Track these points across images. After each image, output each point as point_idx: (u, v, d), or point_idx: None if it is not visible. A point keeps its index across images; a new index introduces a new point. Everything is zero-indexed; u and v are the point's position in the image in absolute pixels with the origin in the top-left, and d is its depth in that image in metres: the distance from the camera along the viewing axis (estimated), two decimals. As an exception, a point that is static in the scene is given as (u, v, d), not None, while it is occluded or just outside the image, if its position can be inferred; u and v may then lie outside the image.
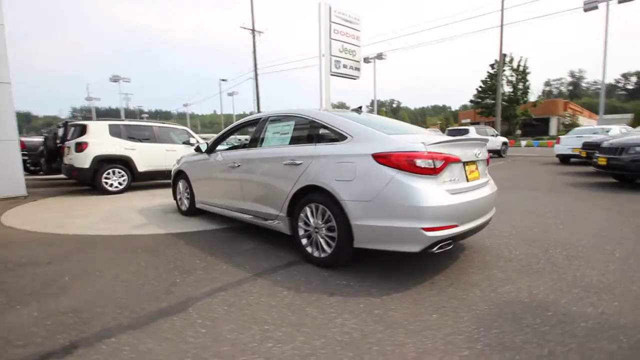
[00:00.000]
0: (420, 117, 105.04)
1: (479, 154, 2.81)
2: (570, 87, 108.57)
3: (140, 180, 7.54)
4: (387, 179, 2.35)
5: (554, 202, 5.45)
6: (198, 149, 4.37)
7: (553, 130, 36.79)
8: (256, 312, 2.10)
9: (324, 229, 2.75)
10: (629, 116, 34.20)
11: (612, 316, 2.00)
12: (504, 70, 32.94)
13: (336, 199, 2.58)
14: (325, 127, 2.95)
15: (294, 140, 3.22)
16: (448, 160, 2.40)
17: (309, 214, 2.86)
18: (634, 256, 2.95)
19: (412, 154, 2.31)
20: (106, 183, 6.93)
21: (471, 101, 36.03)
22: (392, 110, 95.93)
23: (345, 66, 21.00)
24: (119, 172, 7.09)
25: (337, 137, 2.80)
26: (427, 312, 2.09)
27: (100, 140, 6.89)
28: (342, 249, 2.62)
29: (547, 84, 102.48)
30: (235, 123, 4.22)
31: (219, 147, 4.31)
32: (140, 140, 7.44)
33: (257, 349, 1.72)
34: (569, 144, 11.95)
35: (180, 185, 4.90)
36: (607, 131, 12.15)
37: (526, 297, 2.27)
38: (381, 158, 2.40)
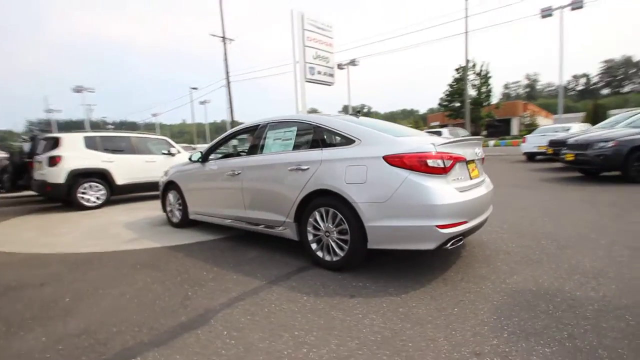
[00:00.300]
0: (391, 121, 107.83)
1: (478, 153, 2.96)
2: (527, 89, 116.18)
3: (119, 194, 7.19)
4: (400, 180, 2.42)
5: (533, 196, 5.79)
6: (192, 159, 4.27)
7: (515, 130, 38.99)
8: (281, 319, 2.08)
9: (335, 232, 2.77)
10: (581, 114, 36.99)
11: (613, 298, 2.17)
12: (467, 75, 34.66)
13: (348, 202, 2.62)
14: (331, 132, 2.99)
15: (298, 146, 3.23)
16: (456, 160, 2.52)
17: (318, 218, 2.87)
18: (617, 243, 3.21)
19: (423, 155, 2.40)
20: (82, 198, 6.55)
21: (440, 104, 37.49)
22: (364, 115, 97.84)
23: (319, 72, 21.26)
24: (97, 186, 6.73)
25: (345, 141, 2.85)
26: (448, 306, 2.16)
27: (75, 154, 6.52)
28: (355, 251, 2.65)
29: (506, 86, 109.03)
30: (230, 131, 4.16)
31: (212, 156, 4.23)
32: (118, 152, 7.12)
33: (294, 356, 1.71)
34: (534, 142, 12.75)
35: (171, 196, 4.74)
36: (568, 129, 13.10)
37: (533, 286, 2.41)
38: (393, 160, 2.47)
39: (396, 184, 2.43)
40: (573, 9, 15.56)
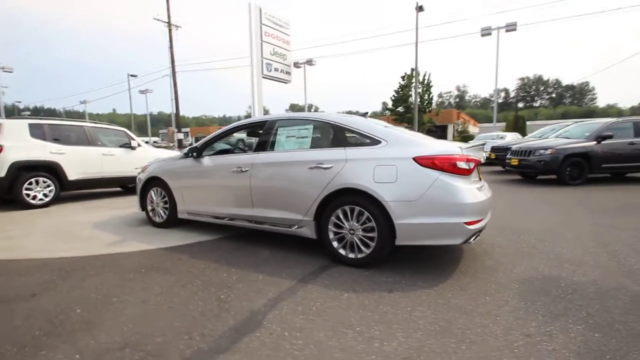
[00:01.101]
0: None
1: (482, 157, 3.26)
2: (457, 100, 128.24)
3: (70, 190, 6.36)
4: (431, 180, 2.58)
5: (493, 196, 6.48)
6: (188, 153, 3.97)
7: (450, 136, 42.82)
8: (335, 316, 2.10)
9: (360, 230, 2.84)
10: (503, 124, 41.96)
11: (602, 282, 2.58)
12: (412, 83, 37.11)
13: (377, 200, 2.71)
14: (354, 132, 3.04)
15: (316, 144, 3.23)
16: (476, 163, 2.76)
17: (341, 216, 2.91)
18: (580, 236, 3.78)
19: (454, 157, 2.59)
20: (28, 195, 5.66)
21: (387, 108, 39.53)
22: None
23: (277, 70, 20.99)
24: (44, 182, 5.86)
25: (370, 141, 2.93)
26: (479, 296, 2.37)
27: (18, 143, 5.59)
28: (382, 247, 2.76)
29: (440, 95, 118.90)
30: (230, 126, 3.96)
31: (206, 152, 4.00)
32: (70, 143, 6.28)
33: (370, 350, 1.75)
34: (477, 147, 14.19)
35: (153, 194, 4.35)
36: (502, 137, 14.83)
37: (536, 274, 2.75)
38: (424, 161, 2.62)
39: (427, 184, 2.59)
40: (507, 30, 17.70)
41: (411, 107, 35.48)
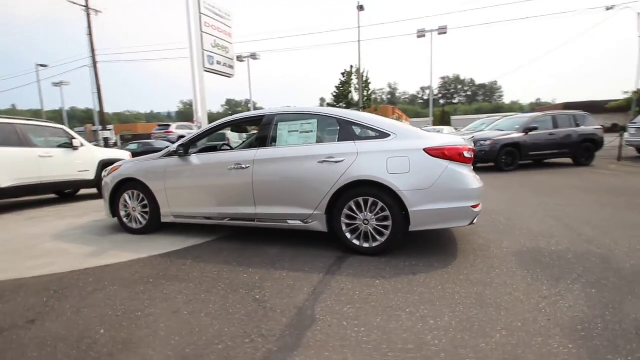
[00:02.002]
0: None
1: None
2: (389, 96, 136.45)
3: (4, 199, 5.37)
4: (442, 169, 2.81)
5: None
6: (172, 152, 3.66)
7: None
8: (380, 302, 2.19)
9: (374, 219, 2.96)
10: (430, 119, 45.97)
11: (575, 248, 3.08)
12: (352, 80, 38.43)
13: (392, 190, 2.85)
14: (361, 126, 3.13)
15: (322, 139, 3.25)
16: (473, 152, 3.06)
17: (354, 207, 3.00)
18: (537, 212, 4.42)
19: (461, 148, 2.85)
20: (-55, 208, 4.65)
21: (328, 104, 40.38)
22: (249, 109, 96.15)
23: (219, 63, 20.05)
24: (-33, 191, 4.87)
25: (378, 135, 3.05)
26: (490, 270, 2.66)
27: None
28: (397, 234, 2.91)
29: (374, 92, 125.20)
30: (221, 121, 3.74)
31: (192, 149, 3.75)
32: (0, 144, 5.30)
33: (428, 327, 1.88)
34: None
35: (128, 198, 3.92)
36: (439, 131, 16.28)
37: (522, 248, 3.16)
38: (434, 151, 2.83)
39: (438, 173, 2.81)
40: (439, 33, 19.42)
41: (352, 103, 36.76)
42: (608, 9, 18.63)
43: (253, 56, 24.03)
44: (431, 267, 2.75)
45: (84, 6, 23.49)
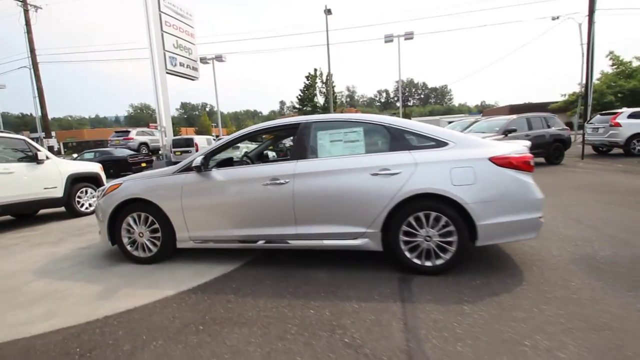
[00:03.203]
0: (235, 122, 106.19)
1: None
2: (348, 99, 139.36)
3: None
4: (509, 179, 2.65)
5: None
6: (188, 167, 3.14)
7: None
8: (490, 334, 1.94)
9: (437, 235, 2.73)
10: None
11: (620, 252, 3.09)
12: (316, 83, 38.51)
13: (458, 203, 2.65)
14: (414, 134, 2.89)
15: (372, 149, 2.96)
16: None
17: (414, 223, 2.75)
18: (555, 215, 4.49)
19: (526, 156, 2.71)
20: None
21: (294, 107, 40.07)
22: (208, 113, 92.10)
23: (182, 64, 19.00)
24: None
25: (435, 143, 2.83)
26: (563, 283, 2.54)
27: None
28: (463, 251, 2.71)
29: (336, 96, 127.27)
30: (243, 131, 3.26)
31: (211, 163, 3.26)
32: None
33: (557, 345, 1.68)
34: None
35: (132, 222, 3.32)
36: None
37: (572, 255, 3.11)
38: (500, 160, 2.67)
39: (506, 183, 2.65)
40: (406, 39, 19.98)
41: (317, 106, 36.77)
42: (554, 18, 20.46)
43: (218, 58, 22.96)
44: (505, 283, 2.58)
45: (21, 1, 21.05)
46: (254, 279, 2.87)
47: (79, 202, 6.21)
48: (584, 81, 19.77)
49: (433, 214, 2.72)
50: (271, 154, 6.86)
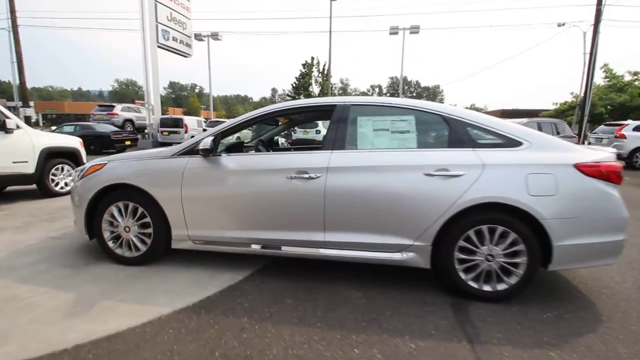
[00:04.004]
0: (225, 105, 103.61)
1: None
2: (341, 92, 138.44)
3: None
4: (597, 192, 2.15)
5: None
6: (196, 149, 2.51)
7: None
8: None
9: (501, 255, 2.23)
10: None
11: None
12: (312, 71, 37.47)
13: (533, 217, 2.14)
14: (481, 129, 2.35)
15: (425, 143, 2.41)
16: None
17: (474, 238, 2.23)
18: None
19: (616, 165, 2.21)
20: None
21: (288, 95, 39.05)
22: (197, 95, 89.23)
23: (175, 39, 17.90)
24: None
25: (505, 142, 2.30)
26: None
27: None
28: (531, 276, 2.22)
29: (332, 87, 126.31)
30: (266, 109, 2.63)
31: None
32: None
33: None
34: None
35: (116, 212, 2.68)
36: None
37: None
38: (588, 169, 2.16)
39: (592, 196, 2.16)
40: (411, 32, 19.37)
41: (312, 96, 35.86)
42: (559, 25, 20.28)
43: (214, 36, 21.74)
44: (582, 319, 2.10)
45: (-1, -47, 19.32)
46: (270, 295, 2.30)
47: (53, 180, 5.45)
48: (584, 90, 19.78)
49: (500, 229, 2.20)
50: (281, 141, 6.23)
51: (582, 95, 21.13)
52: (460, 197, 2.19)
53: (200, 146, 2.47)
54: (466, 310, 2.16)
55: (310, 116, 2.96)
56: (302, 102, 2.69)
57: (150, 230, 2.64)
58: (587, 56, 19.49)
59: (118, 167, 2.71)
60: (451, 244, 2.26)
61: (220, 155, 2.58)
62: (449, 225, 2.24)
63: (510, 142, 2.30)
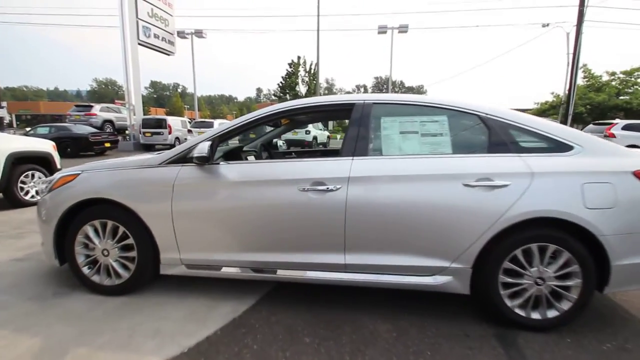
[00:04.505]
0: (209, 105, 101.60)
1: None
2: (326, 91, 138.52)
3: None
4: (661, 203, 1.87)
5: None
6: (189, 157, 2.10)
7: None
8: None
9: (553, 277, 1.92)
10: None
11: None
12: (299, 71, 37.01)
13: (591, 234, 1.84)
14: (525, 131, 2.03)
15: (461, 148, 2.08)
16: None
17: (522, 259, 1.92)
18: None
19: (684, 172, 1.94)
20: None
21: (274, 95, 38.45)
22: (180, 95, 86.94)
23: (157, 36, 17.22)
24: None
25: (554, 146, 1.99)
26: None
27: None
28: (587, 299, 1.92)
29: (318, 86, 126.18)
30: (271, 109, 2.24)
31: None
32: None
33: None
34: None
35: (91, 233, 2.23)
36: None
37: None
38: (650, 176, 1.88)
39: (656, 208, 1.88)
40: (400, 32, 19.23)
41: (299, 96, 35.41)
42: (544, 25, 20.58)
43: (198, 34, 20.99)
44: (648, 350, 1.82)
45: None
46: (283, 331, 1.92)
47: (22, 188, 4.89)
48: (567, 89, 20.15)
49: (551, 247, 1.90)
50: (279, 143, 5.83)
51: (566, 94, 21.56)
52: (506, 212, 1.87)
53: (195, 153, 2.06)
54: (516, 344, 1.85)
55: (322, 116, 2.61)
56: (314, 100, 2.31)
57: (133, 253, 2.21)
58: (571, 56, 19.86)
59: (94, 178, 2.27)
60: (495, 265, 1.94)
61: (218, 163, 2.17)
62: (492, 244, 1.92)
63: (560, 147, 1.99)
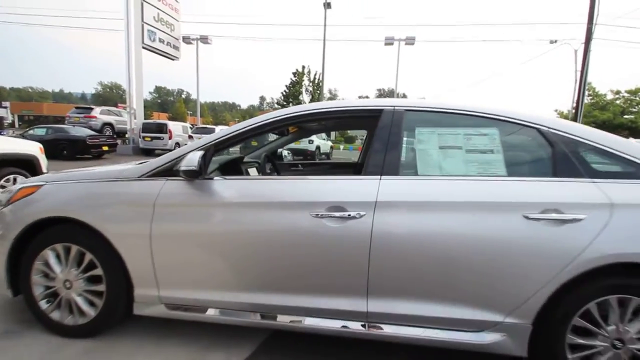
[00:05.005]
0: (212, 112, 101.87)
1: None
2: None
3: None
4: None
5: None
6: (175, 169, 1.68)
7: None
8: None
9: (635, 338, 1.48)
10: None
11: None
12: (303, 80, 36.99)
13: (687, 286, 1.41)
14: (597, 150, 1.62)
15: (519, 169, 1.67)
16: None
17: (595, 314, 1.49)
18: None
19: None
20: None
21: (277, 103, 38.39)
22: (184, 101, 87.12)
23: (162, 41, 17.01)
24: None
25: (635, 169, 1.58)
26: None
27: None
28: (680, 369, 1.48)
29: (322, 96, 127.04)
30: (280, 114, 1.83)
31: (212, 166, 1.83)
32: None
33: None
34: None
35: (53, 259, 1.81)
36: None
37: None
38: None
39: None
40: (407, 43, 19.09)
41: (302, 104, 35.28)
42: (552, 42, 20.43)
43: (204, 39, 20.85)
44: None
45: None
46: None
47: (1, 193, 4.46)
48: (574, 107, 19.90)
49: (635, 301, 1.46)
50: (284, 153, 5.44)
51: (570, 111, 21.35)
52: (580, 254, 1.44)
53: (183, 166, 1.64)
54: None
55: (338, 124, 2.22)
56: (332, 105, 1.89)
57: (102, 287, 1.78)
58: (578, 74, 19.68)
59: (58, 191, 1.85)
60: (562, 322, 1.50)
61: (211, 178, 1.76)
62: (560, 294, 1.48)
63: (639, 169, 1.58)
